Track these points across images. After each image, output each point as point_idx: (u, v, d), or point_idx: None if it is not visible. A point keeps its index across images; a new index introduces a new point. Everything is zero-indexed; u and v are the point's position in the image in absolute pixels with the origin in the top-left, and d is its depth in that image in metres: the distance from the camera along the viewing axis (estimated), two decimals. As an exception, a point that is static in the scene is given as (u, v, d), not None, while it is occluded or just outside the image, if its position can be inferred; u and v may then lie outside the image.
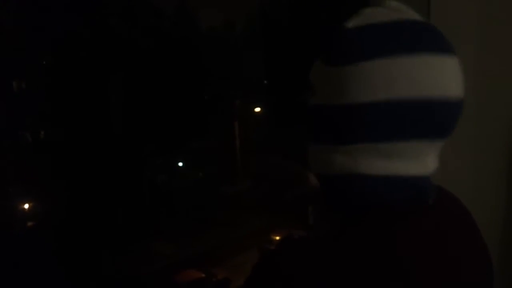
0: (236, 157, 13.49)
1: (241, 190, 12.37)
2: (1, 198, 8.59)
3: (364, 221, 0.60)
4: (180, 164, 12.84)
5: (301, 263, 0.55)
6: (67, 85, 10.19)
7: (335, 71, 0.61)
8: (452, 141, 1.47)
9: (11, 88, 9.32)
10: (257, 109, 14.11)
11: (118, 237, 9.51)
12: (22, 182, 8.91)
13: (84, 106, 10.39)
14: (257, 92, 13.83)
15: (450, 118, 0.62)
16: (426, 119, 0.59)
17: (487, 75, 1.38)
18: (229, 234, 10.34)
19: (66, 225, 8.78)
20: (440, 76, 0.61)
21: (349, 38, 0.64)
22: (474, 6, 1.40)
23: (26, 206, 8.65)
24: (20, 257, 7.27)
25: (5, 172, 8.80)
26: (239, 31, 15.16)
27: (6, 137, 8.93)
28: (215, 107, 13.75)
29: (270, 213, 10.01)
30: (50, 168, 9.50)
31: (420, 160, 0.62)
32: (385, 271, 0.55)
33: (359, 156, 0.62)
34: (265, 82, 13.48)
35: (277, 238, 7.84)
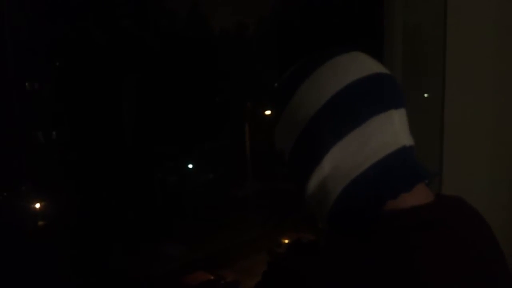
0: (246, 159, 13.53)
1: (251, 192, 12.40)
2: (13, 197, 8.72)
3: (377, 233, 0.61)
4: (191, 166, 12.91)
5: (324, 278, 0.57)
6: (80, 86, 10.31)
7: (285, 113, 0.69)
8: (467, 143, 1.44)
9: (24, 89, 9.46)
10: (268, 112, 14.13)
11: (127, 238, 9.59)
12: (33, 181, 9.03)
13: (96, 107, 10.50)
14: (268, 94, 13.85)
15: (389, 89, 0.69)
16: (369, 94, 0.66)
17: (506, 78, 1.35)
18: (238, 236, 10.37)
19: (76, 225, 8.88)
20: (359, 62, 0.71)
21: (277, 89, 0.73)
22: (491, 9, 1.37)
23: (37, 205, 8.77)
24: (30, 256, 7.36)
25: (17, 171, 8.93)
26: (251, 33, 15.21)
27: (18, 137, 9.06)
28: (226, 109, 13.81)
29: (278, 217, 10.01)
30: (61, 168, 9.62)
31: (390, 134, 0.66)
32: (404, 284, 0.57)
33: (342, 163, 0.66)
34: (275, 84, 13.55)
35: (286, 241, 7.86)
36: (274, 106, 0.72)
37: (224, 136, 13.09)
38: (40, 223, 8.05)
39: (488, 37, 1.34)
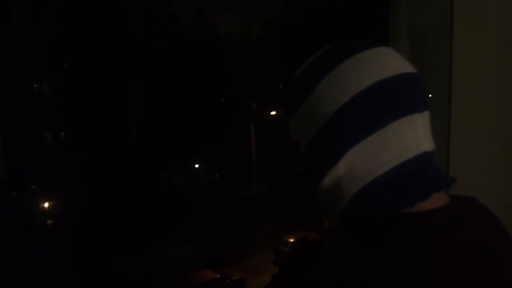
0: (252, 159, 13.51)
1: (256, 192, 12.37)
2: (22, 196, 8.76)
3: (390, 237, 0.61)
4: (197, 166, 12.92)
5: (333, 282, 0.58)
6: (87, 88, 10.35)
7: (303, 108, 0.66)
8: (474, 144, 1.47)
9: (32, 91, 9.51)
10: (273, 113, 14.11)
11: (134, 237, 9.60)
12: (42, 181, 9.06)
13: (104, 108, 10.54)
14: (273, 95, 13.84)
15: (414, 91, 0.66)
16: (393, 97, 0.63)
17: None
18: (243, 235, 10.35)
19: (84, 224, 8.90)
20: (383, 61, 0.65)
21: (297, 79, 0.70)
22: (499, 10, 1.38)
23: (46, 204, 8.80)
24: (38, 255, 7.37)
25: (26, 171, 8.97)
26: (256, 36, 15.19)
27: (27, 138, 9.11)
28: (232, 111, 13.79)
29: (287, 218, 9.99)
30: (69, 168, 9.65)
31: (411, 139, 0.64)
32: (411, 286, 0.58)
33: (359, 165, 0.64)
34: (281, 86, 13.49)
35: (292, 240, 7.82)
36: (291, 96, 0.70)
37: (229, 137, 13.06)
38: (49, 222, 8.08)
39: (495, 38, 1.35)
